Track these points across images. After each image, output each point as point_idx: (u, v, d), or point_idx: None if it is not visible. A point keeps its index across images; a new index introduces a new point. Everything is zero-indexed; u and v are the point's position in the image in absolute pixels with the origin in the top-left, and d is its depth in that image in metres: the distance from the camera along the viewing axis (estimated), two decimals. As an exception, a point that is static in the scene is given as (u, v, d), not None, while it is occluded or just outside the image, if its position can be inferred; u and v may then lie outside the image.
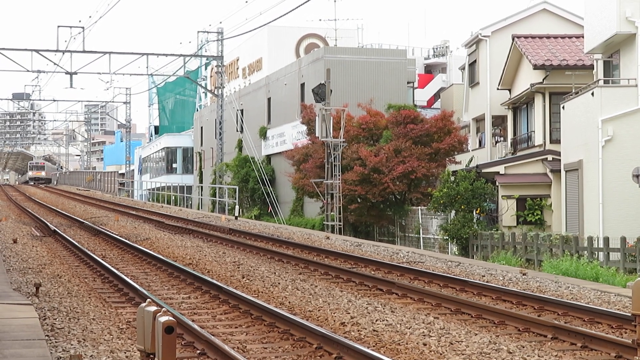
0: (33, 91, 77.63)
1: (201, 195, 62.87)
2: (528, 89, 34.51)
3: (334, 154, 35.13)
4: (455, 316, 12.94)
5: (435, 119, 37.44)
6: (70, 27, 47.81)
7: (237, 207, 41.36)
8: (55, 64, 49.89)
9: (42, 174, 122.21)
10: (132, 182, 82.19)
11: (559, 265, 21.47)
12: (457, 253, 30.88)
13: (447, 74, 62.19)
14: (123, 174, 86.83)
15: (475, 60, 41.91)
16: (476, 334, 11.20)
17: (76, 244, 22.84)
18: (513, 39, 36.38)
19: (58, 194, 69.20)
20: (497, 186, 32.42)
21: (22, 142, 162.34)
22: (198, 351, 10.02)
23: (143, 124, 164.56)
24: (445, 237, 32.23)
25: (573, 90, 30.00)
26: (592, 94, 27.29)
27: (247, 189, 50.75)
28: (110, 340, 10.34)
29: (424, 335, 11.01)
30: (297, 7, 30.94)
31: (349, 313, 12.66)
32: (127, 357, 9.52)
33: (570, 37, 36.49)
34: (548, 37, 36.28)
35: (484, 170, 33.03)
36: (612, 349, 10.36)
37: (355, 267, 18.86)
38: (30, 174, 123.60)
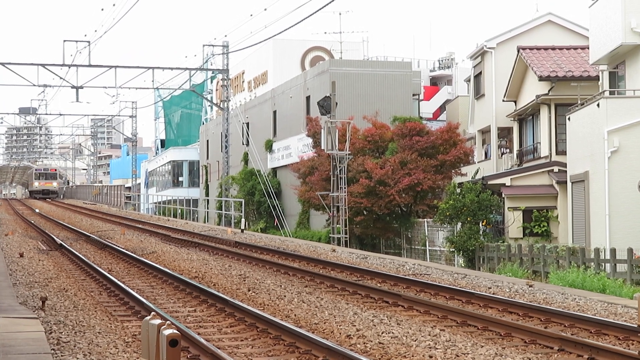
0: (39, 105, 77.91)
1: (207, 209, 62.93)
2: (534, 100, 34.49)
3: (339, 167, 35.14)
4: (461, 328, 12.91)
5: (441, 131, 37.45)
6: (76, 41, 47.96)
7: (243, 220, 41.40)
8: (61, 78, 50.12)
9: (54, 184, 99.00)
10: (139, 195, 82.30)
11: (565, 277, 21.41)
12: (463, 265, 30.82)
13: (452, 86, 62.23)
14: (129, 188, 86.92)
15: (480, 72, 41.94)
16: (482, 346, 11.16)
17: (82, 257, 22.84)
18: (518, 51, 36.39)
19: (64, 208, 69.29)
20: (503, 198, 32.37)
21: (29, 157, 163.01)
22: (203, 364, 10.01)
23: (149, 138, 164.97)
24: (451, 249, 32.17)
25: (579, 102, 29.98)
26: (598, 105, 27.26)
27: (253, 202, 50.79)
28: (116, 354, 10.33)
29: (430, 348, 10.97)
30: (302, 20, 31.12)
31: (354, 325, 12.63)
32: (132, 370, 9.51)
33: (575, 48, 36.51)
34: (553, 48, 36.29)
35: (490, 182, 32.98)
36: (619, 361, 10.32)
37: (361, 280, 18.83)
38: (36, 184, 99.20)
